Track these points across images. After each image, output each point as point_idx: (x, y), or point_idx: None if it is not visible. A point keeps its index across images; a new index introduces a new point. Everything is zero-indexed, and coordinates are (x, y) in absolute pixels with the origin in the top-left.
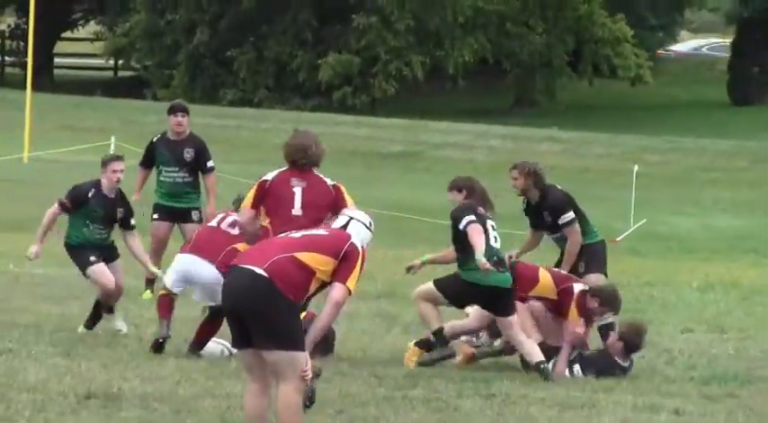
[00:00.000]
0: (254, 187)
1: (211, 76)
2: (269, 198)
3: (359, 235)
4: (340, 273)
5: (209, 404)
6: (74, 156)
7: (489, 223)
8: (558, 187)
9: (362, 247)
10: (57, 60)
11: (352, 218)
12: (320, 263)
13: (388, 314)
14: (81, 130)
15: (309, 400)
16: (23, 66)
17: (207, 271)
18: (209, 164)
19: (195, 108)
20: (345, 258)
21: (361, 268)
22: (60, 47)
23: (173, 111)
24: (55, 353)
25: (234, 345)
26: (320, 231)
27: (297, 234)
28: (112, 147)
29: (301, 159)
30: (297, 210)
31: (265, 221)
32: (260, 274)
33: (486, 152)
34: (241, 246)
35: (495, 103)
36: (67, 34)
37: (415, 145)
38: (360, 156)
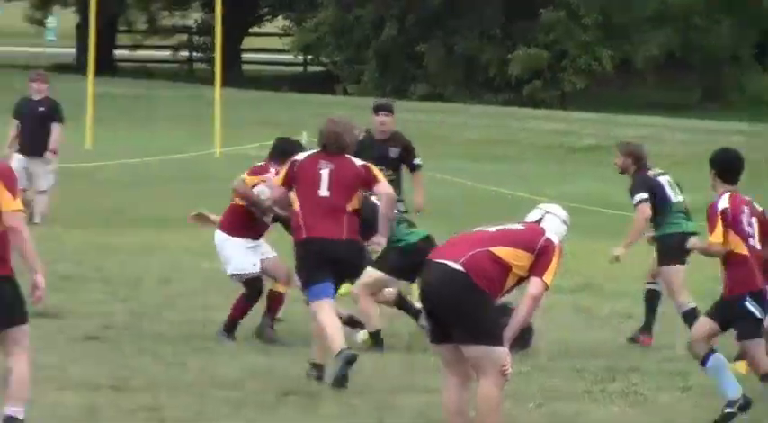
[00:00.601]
0: (286, 166)
1: (401, 71)
2: (297, 179)
3: (554, 229)
4: (537, 267)
5: (407, 399)
6: (265, 151)
7: None
8: (651, 172)
9: (558, 241)
10: (245, 56)
11: (547, 212)
12: (515, 257)
13: (584, 308)
14: (271, 125)
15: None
16: (211, 61)
17: None
18: (416, 161)
19: None
20: (541, 253)
21: (558, 263)
22: (248, 42)
23: (376, 110)
24: (252, 350)
25: (432, 340)
26: (515, 226)
27: (492, 228)
28: (304, 142)
29: (332, 145)
30: (324, 190)
31: (294, 203)
32: (457, 269)
33: (676, 145)
34: None
35: (683, 97)
36: (255, 29)
37: (606, 139)
38: (551, 150)
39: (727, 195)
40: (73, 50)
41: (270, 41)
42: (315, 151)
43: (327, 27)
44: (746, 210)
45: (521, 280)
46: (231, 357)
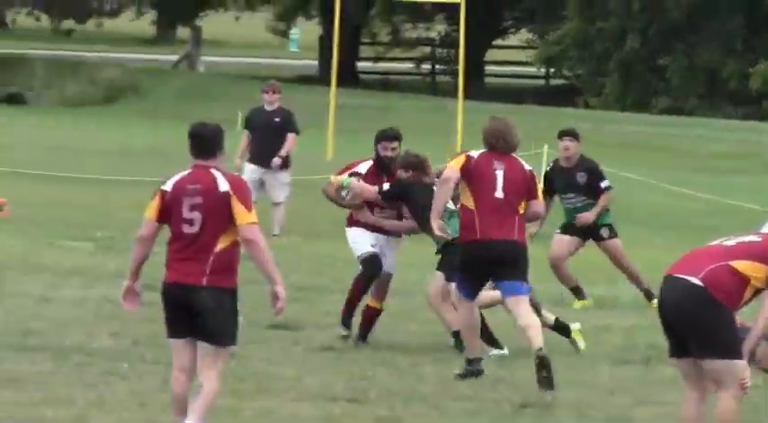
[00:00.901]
0: (462, 156)
1: (643, 84)
2: (473, 176)
3: None
4: None
5: (643, 412)
6: None
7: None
8: None
9: None
10: (488, 68)
11: None
12: (754, 270)
13: None
14: None
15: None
16: (454, 74)
17: None
18: (603, 184)
19: (627, 116)
20: None
21: None
22: (491, 55)
23: (560, 136)
24: (489, 362)
25: (671, 354)
26: (752, 238)
27: (729, 241)
28: (545, 155)
29: (498, 144)
30: (499, 192)
31: (468, 201)
32: (696, 284)
33: None
34: None
35: None
36: (498, 42)
37: None
38: None
39: None
40: (315, 62)
41: (513, 54)
42: (485, 150)
43: (570, 40)
44: None
45: (757, 292)
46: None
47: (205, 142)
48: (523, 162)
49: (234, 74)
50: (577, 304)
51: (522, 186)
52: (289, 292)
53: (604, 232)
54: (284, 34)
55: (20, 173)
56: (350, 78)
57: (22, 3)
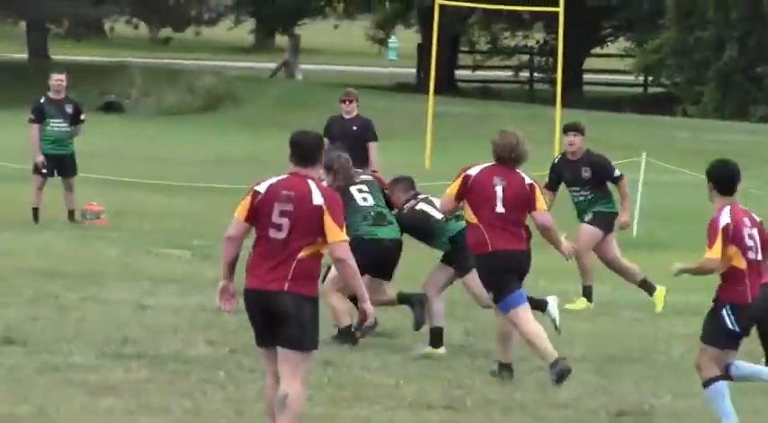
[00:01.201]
0: (459, 179)
1: (741, 93)
2: (472, 194)
3: None
4: None
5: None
6: None
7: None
8: None
9: None
10: (586, 76)
11: None
12: None
13: None
14: (610, 146)
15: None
16: (552, 82)
17: None
18: (616, 173)
19: (726, 124)
20: None
21: None
22: (589, 63)
23: (565, 130)
24: (587, 370)
25: None
26: None
27: None
28: (643, 163)
29: (510, 158)
30: (500, 207)
31: (471, 217)
32: None
33: None
34: None
35: None
36: (596, 50)
37: None
38: None
39: (727, 209)
40: (414, 70)
41: (611, 62)
42: (487, 165)
43: (668, 48)
44: (747, 221)
45: None
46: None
47: (305, 150)
48: (524, 175)
49: (332, 82)
50: (578, 304)
51: (522, 200)
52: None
53: (588, 216)
54: (383, 42)
55: (117, 181)
56: (448, 87)
57: (120, 11)
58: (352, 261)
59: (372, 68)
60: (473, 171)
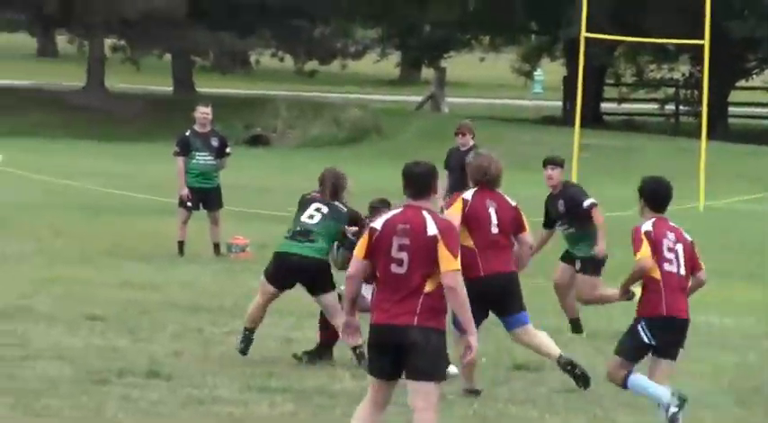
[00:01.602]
0: (458, 203)
1: None
2: (470, 217)
3: None
4: None
5: None
6: (748, 205)
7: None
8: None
9: None
10: (732, 109)
11: None
12: None
13: None
14: (755, 179)
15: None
16: (698, 115)
17: None
18: (585, 203)
19: None
20: None
21: None
22: (734, 96)
23: (544, 164)
24: (731, 402)
25: None
26: None
27: None
28: None
29: (483, 179)
30: (494, 228)
31: (467, 241)
32: None
33: None
34: None
35: None
36: (742, 83)
37: None
38: None
39: (651, 221)
40: (560, 103)
41: (756, 95)
42: (476, 189)
43: None
44: (672, 236)
45: None
46: (713, 410)
47: (417, 182)
48: (509, 198)
49: (478, 115)
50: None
51: (511, 221)
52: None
53: (577, 265)
54: (528, 75)
55: (263, 214)
56: (593, 119)
57: (266, 44)
58: (462, 291)
59: (518, 101)
60: (467, 195)
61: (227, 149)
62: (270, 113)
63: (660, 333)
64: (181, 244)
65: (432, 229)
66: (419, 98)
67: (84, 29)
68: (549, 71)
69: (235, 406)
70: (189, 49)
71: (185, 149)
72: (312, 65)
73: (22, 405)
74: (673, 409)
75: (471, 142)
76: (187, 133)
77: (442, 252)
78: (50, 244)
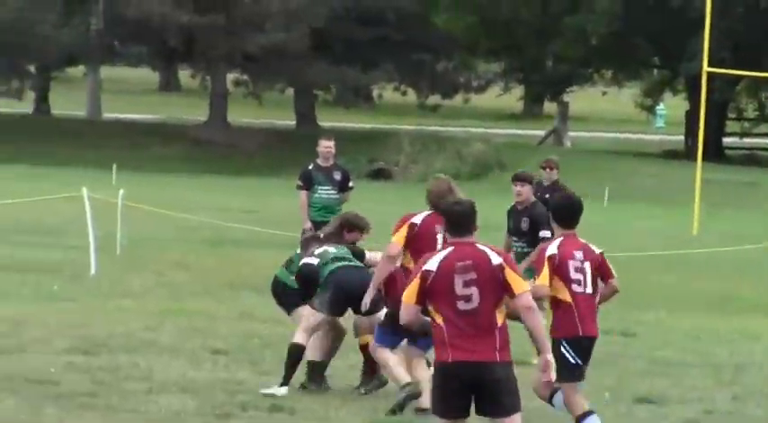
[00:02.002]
0: (405, 227)
1: None
2: (416, 241)
3: None
4: None
5: None
6: None
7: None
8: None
9: None
10: None
11: None
12: None
13: None
14: None
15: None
16: None
17: None
18: (541, 234)
19: None
20: None
21: None
22: None
23: (513, 179)
24: None
25: None
26: None
27: None
28: None
29: (440, 204)
30: None
31: (409, 263)
32: None
33: None
34: None
35: None
36: None
37: None
38: None
39: (558, 241)
40: (681, 137)
41: None
42: (429, 212)
43: None
44: (579, 255)
45: None
46: None
47: (462, 220)
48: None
49: (600, 149)
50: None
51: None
52: (653, 367)
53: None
54: (651, 110)
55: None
56: (715, 154)
57: (388, 78)
58: (537, 310)
59: (640, 135)
60: (417, 219)
61: (350, 183)
62: (393, 147)
63: (580, 351)
64: None
65: (495, 259)
66: (541, 132)
67: (206, 63)
68: (671, 105)
69: None
70: (311, 83)
71: (308, 183)
72: (434, 99)
73: None
74: None
75: (555, 177)
76: (310, 167)
77: (511, 276)
78: (173, 277)
